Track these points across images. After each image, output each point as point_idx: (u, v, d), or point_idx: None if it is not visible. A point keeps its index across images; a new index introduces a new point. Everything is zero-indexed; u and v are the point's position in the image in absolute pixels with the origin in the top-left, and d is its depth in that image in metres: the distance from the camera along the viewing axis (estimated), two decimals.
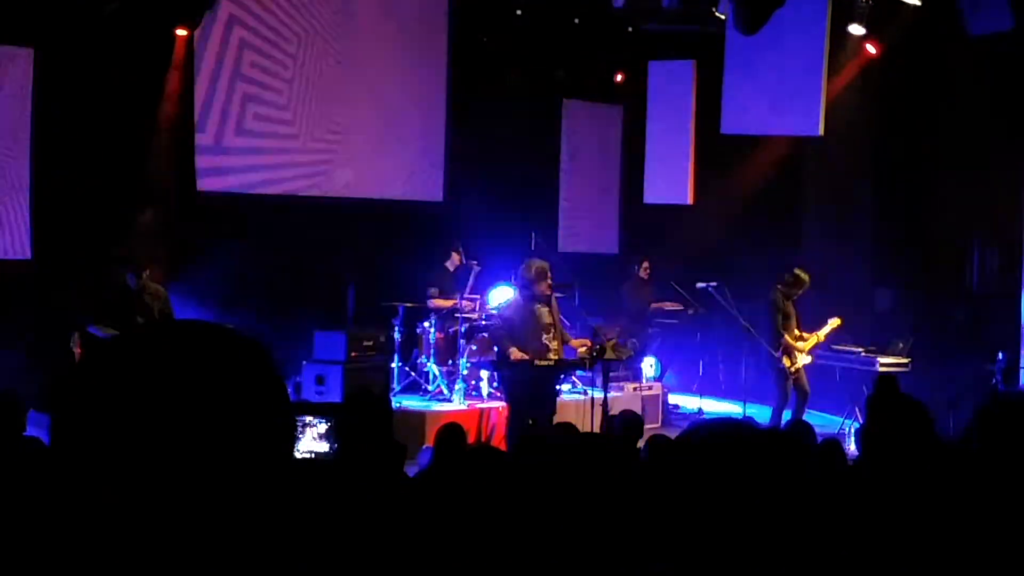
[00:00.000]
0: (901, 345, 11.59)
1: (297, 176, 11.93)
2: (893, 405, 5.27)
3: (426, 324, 11.50)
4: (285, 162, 11.83)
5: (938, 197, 12.40)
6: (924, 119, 12.38)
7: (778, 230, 13.84)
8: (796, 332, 11.26)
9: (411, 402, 11.05)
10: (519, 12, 12.62)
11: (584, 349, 10.07)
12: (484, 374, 11.20)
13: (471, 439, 8.95)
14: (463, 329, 11.25)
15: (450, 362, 11.39)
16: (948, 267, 12.05)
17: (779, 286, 11.31)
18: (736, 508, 2.38)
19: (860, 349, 11.63)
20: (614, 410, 9.09)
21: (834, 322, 11.40)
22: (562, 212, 14.84)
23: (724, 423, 2.62)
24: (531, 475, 5.29)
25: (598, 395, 9.96)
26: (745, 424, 2.61)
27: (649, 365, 13.16)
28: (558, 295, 10.22)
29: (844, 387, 11.87)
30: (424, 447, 8.54)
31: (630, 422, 6.66)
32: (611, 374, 10.77)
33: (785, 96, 11.92)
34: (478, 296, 11.73)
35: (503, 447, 8.89)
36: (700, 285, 13.09)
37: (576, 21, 12.94)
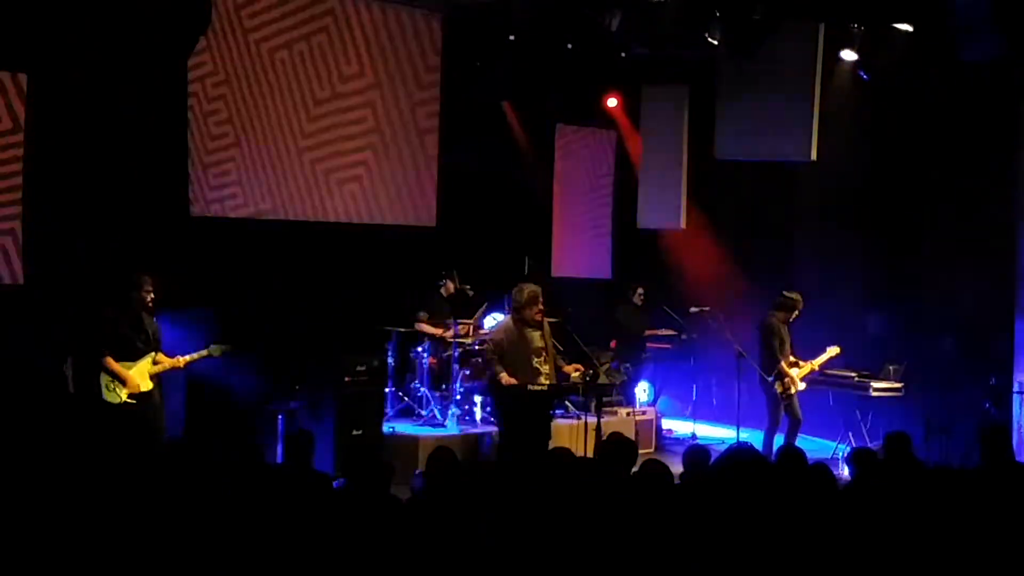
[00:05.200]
0: (893, 370, 11.57)
1: (289, 202, 11.91)
2: None
3: (419, 349, 11.49)
4: (277, 188, 11.81)
5: (930, 221, 12.42)
6: (916, 145, 12.40)
7: (771, 255, 13.85)
8: (792, 358, 11.23)
9: (404, 427, 11.02)
10: (512, 37, 12.64)
11: (577, 374, 10.05)
12: (478, 399, 11.18)
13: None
14: (456, 354, 11.23)
15: (444, 387, 11.38)
16: (941, 291, 12.04)
17: (775, 311, 11.30)
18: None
19: (853, 374, 11.62)
20: (607, 435, 9.06)
21: (832, 350, 11.38)
22: (555, 237, 14.84)
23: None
24: (524, 498, 5.28)
25: (591, 420, 9.94)
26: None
27: (642, 390, 13.15)
28: (551, 320, 10.21)
29: (837, 412, 11.86)
30: (417, 471, 8.50)
31: (623, 448, 6.62)
32: (604, 399, 10.76)
33: (778, 122, 11.95)
34: (471, 321, 11.71)
35: None
36: (693, 310, 13.14)
37: (569, 46, 12.95)
